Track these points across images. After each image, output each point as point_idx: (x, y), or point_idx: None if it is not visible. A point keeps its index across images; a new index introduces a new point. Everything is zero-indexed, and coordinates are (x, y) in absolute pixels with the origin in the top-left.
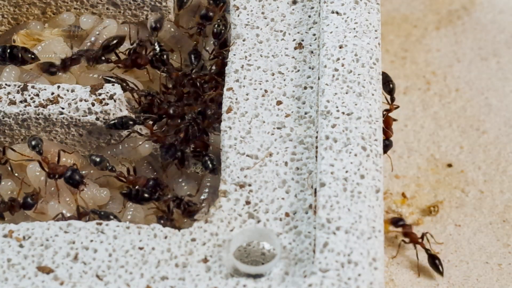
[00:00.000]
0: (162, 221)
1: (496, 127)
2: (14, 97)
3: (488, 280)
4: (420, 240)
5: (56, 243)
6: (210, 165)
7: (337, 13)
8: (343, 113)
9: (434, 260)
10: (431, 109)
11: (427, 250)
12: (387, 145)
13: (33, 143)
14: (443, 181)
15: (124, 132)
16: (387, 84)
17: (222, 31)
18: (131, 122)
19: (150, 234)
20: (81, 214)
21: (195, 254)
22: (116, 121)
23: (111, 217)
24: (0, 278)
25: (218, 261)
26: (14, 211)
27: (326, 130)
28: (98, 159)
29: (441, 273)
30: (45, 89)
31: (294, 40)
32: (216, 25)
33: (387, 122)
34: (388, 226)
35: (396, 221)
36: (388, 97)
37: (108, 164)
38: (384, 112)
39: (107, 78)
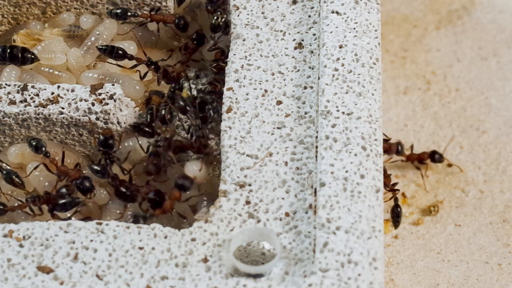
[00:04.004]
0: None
1: (496, 127)
2: (14, 97)
3: (488, 280)
4: (392, 187)
5: (56, 243)
6: None
7: (337, 13)
8: (343, 113)
9: (397, 208)
10: (431, 109)
11: (396, 199)
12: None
13: (34, 143)
14: (443, 181)
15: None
16: None
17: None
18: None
19: (150, 234)
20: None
21: (195, 254)
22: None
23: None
24: (0, 278)
25: (218, 261)
26: (51, 204)
27: (326, 130)
28: (99, 168)
29: (396, 225)
30: (45, 89)
31: (294, 40)
32: (215, 18)
33: (386, 176)
34: (388, 224)
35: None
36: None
37: (109, 174)
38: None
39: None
